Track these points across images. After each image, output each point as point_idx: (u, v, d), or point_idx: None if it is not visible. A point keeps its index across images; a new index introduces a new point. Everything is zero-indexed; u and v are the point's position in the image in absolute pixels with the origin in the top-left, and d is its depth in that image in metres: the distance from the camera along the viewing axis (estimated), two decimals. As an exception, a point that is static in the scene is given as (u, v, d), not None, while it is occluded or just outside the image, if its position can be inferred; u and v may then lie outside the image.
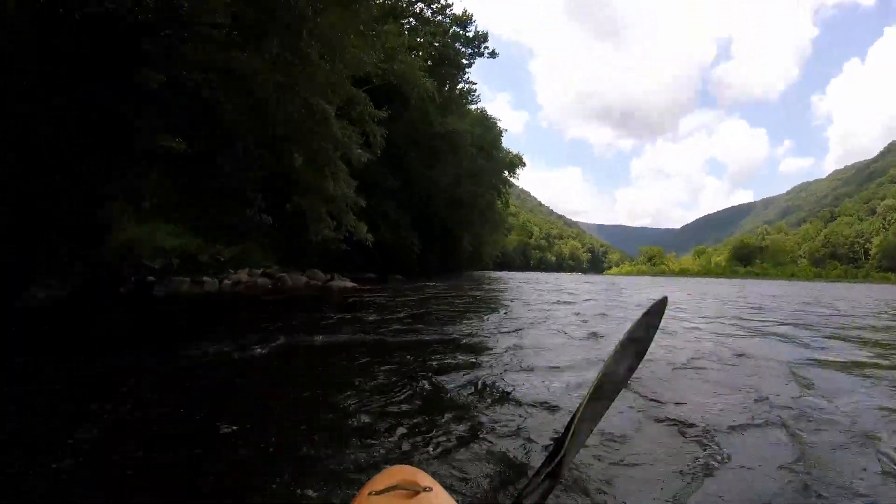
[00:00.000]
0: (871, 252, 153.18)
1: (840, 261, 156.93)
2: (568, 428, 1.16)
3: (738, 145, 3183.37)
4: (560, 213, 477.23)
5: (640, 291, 24.98)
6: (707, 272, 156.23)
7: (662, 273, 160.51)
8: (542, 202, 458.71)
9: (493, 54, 33.95)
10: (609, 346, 6.44)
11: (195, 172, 14.71)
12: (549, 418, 3.43)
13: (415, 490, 0.96)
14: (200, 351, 5.40)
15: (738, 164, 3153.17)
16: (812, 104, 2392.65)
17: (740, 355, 6.18)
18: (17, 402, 3.82)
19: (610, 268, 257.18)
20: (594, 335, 7.62)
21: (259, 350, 5.56)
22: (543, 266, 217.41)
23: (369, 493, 0.96)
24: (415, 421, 3.32)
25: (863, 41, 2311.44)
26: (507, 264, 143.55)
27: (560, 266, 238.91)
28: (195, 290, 12.10)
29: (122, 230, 13.44)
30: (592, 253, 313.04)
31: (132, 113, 10.91)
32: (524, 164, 46.71)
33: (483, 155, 36.90)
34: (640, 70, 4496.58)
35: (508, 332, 7.63)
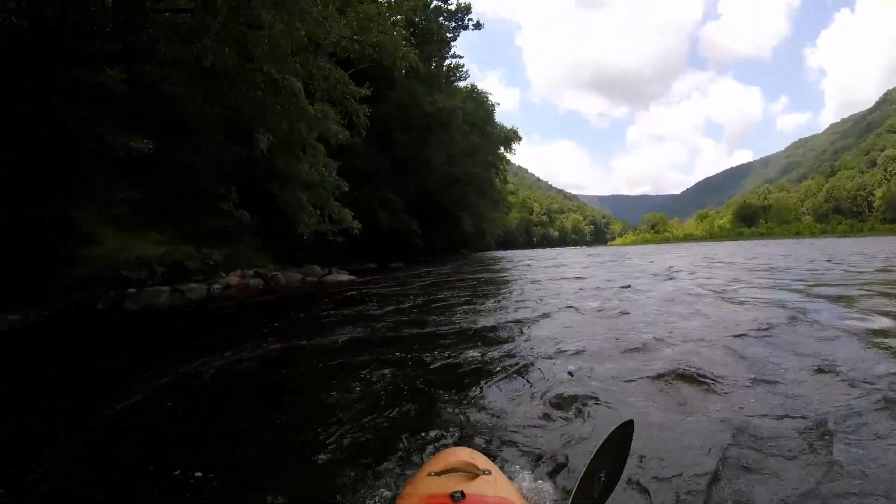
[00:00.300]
0: (874, 204, 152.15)
1: (844, 215, 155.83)
2: None
3: (732, 105, 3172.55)
4: (559, 187, 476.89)
5: (646, 260, 24.24)
6: (711, 236, 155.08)
7: (667, 240, 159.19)
8: (540, 177, 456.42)
9: (477, 25, 32.62)
10: (630, 323, 6.13)
11: (163, 172, 13.94)
12: (578, 423, 2.91)
13: (473, 473, 0.99)
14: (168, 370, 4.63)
15: (734, 124, 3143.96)
16: (805, 58, 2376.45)
17: (796, 320, 5.56)
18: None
19: (613, 238, 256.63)
20: (611, 312, 7.03)
21: (244, 360, 4.92)
22: (547, 242, 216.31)
23: (428, 474, 1.00)
24: (435, 421, 3.00)
25: None
26: (510, 243, 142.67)
27: (564, 241, 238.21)
28: (175, 300, 10.99)
29: (99, 242, 12.71)
30: (595, 225, 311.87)
31: (92, 115, 10.10)
32: (520, 139, 45.23)
33: (476, 131, 35.80)
34: (627, 36, 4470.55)
35: (523, 318, 6.83)
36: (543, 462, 2.35)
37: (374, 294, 11.25)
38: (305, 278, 15.72)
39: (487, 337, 5.62)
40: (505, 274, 18.14)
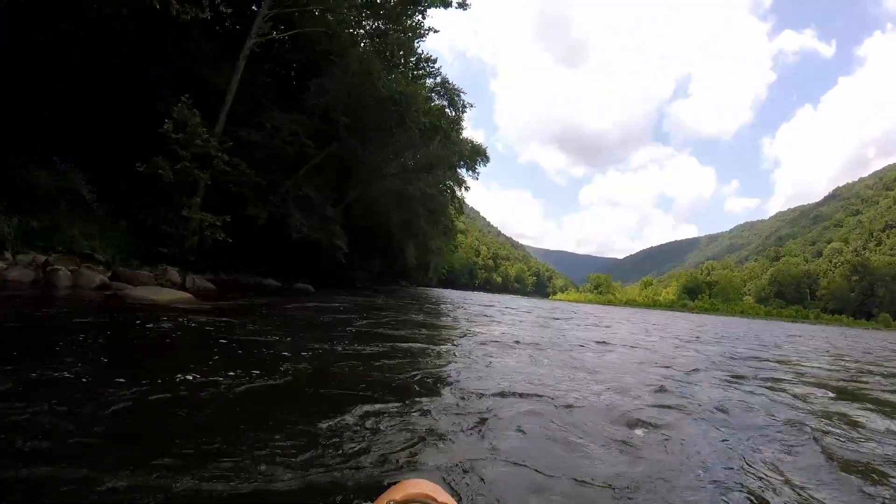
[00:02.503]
0: (817, 293, 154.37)
1: (785, 299, 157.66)
2: None
3: (686, 181, 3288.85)
4: (508, 234, 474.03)
5: (610, 327, 19.03)
6: (654, 304, 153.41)
7: (609, 302, 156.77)
8: (492, 223, 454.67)
9: (462, 5, 26.12)
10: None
11: None
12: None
13: None
14: None
15: (685, 199, 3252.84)
16: (762, 147, 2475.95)
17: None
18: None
19: (554, 293, 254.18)
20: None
21: None
22: (489, 287, 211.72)
23: (388, 502, 0.96)
24: None
25: (817, 89, 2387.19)
26: (452, 282, 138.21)
27: (506, 288, 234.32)
28: None
29: None
30: (537, 277, 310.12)
31: None
32: (487, 160, 36.26)
33: (440, 138, 29.08)
34: (598, 100, 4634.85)
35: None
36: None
37: (180, 337, 5.66)
38: (111, 284, 9.61)
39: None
40: (449, 323, 12.52)
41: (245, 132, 17.78)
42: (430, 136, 26.03)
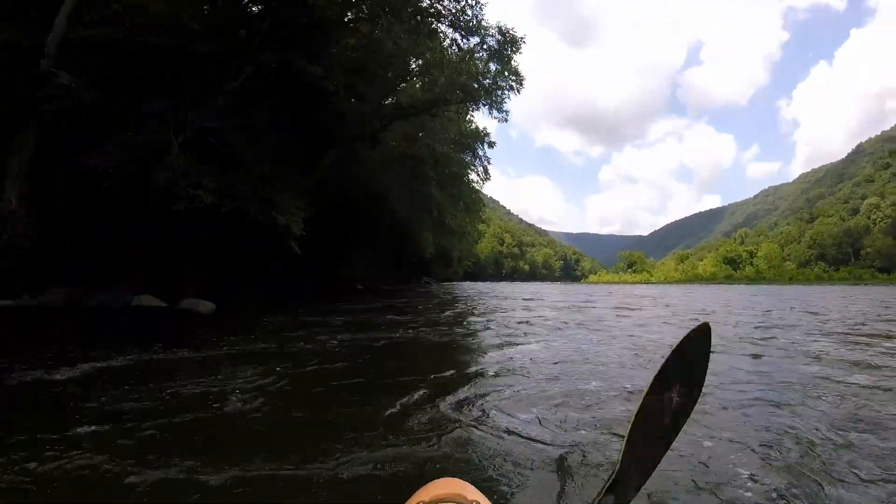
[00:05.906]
0: (861, 252, 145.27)
1: (827, 262, 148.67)
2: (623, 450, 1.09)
3: (705, 151, 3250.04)
4: (530, 221, 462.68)
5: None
6: (696, 278, 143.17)
7: (647, 281, 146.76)
8: (512, 211, 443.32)
9: None
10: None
11: None
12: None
13: (461, 503, 1.02)
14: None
15: (705, 169, 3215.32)
16: (779, 109, 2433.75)
17: None
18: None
19: (584, 276, 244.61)
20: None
21: None
22: (517, 275, 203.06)
23: (418, 503, 0.95)
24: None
25: (830, 44, 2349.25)
26: (478, 274, 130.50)
27: (534, 275, 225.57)
28: None
29: None
30: (564, 261, 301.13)
31: None
32: (520, 81, 21.64)
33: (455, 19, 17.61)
34: (610, 76, 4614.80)
35: None
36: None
37: None
38: None
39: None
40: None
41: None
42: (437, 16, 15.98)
